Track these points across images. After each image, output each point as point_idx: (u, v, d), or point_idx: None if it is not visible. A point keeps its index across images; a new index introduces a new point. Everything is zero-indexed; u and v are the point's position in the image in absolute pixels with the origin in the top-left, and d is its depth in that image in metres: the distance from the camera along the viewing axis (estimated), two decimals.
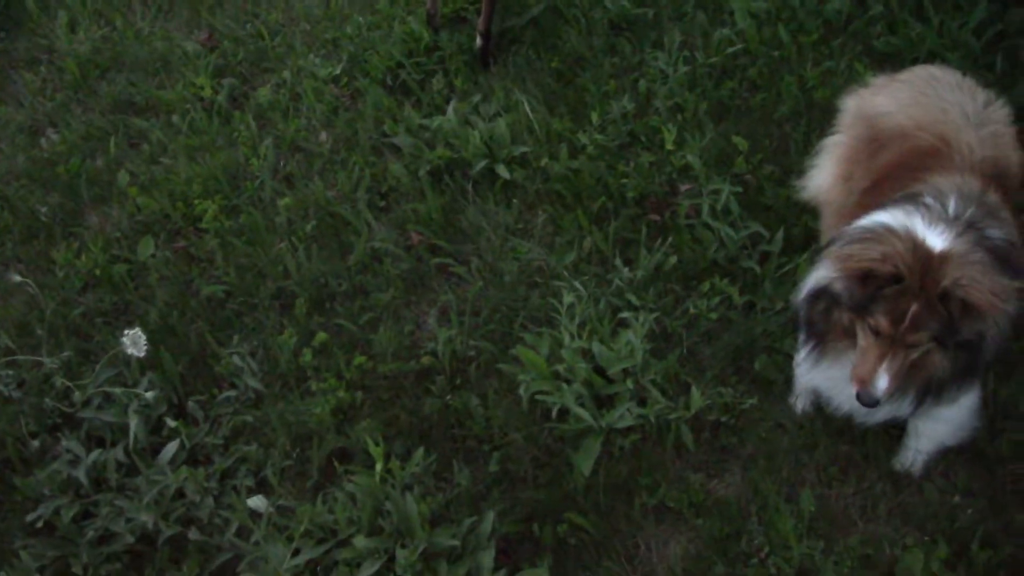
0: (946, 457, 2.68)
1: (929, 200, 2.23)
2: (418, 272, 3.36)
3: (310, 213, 3.57)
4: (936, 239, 2.12)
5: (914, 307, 2.05)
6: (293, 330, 3.18)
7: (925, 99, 2.63)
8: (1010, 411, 2.75)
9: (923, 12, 3.93)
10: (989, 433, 2.71)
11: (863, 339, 2.18)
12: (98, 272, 3.43)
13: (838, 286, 2.19)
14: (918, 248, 2.09)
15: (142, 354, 2.81)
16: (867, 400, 2.15)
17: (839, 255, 2.17)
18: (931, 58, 3.70)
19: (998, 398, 2.75)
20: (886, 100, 2.72)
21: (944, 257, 2.08)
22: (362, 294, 3.31)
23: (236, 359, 3.12)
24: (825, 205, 2.89)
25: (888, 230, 2.16)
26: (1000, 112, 2.63)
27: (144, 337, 2.81)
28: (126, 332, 2.81)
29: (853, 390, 2.19)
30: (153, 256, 3.51)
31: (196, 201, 3.64)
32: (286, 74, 4.16)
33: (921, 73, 2.82)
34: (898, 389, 2.21)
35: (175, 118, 4.01)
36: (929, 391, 2.27)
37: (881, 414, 2.36)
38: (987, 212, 2.25)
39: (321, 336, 3.17)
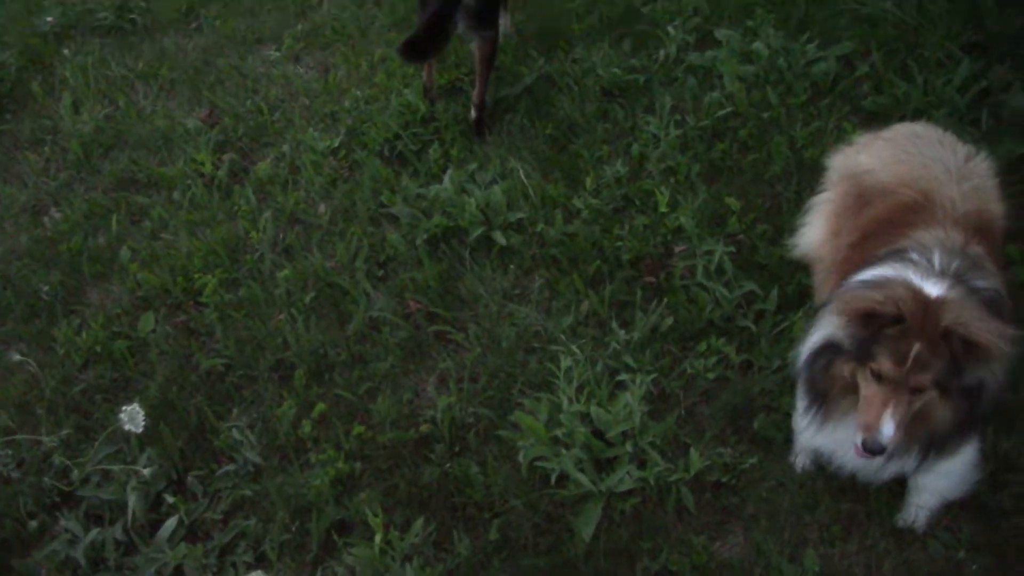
0: (950, 512, 2.65)
1: (915, 255, 2.25)
2: (416, 340, 3.37)
3: (309, 284, 3.60)
4: (931, 288, 2.15)
5: (917, 347, 2.05)
6: (292, 401, 3.19)
7: (907, 156, 2.67)
8: (1012, 463, 2.72)
9: (908, 71, 4.01)
10: (992, 486, 2.68)
11: (866, 388, 2.17)
12: (98, 348, 3.46)
13: (840, 333, 2.21)
14: (917, 293, 2.12)
15: (140, 430, 2.82)
16: (873, 447, 2.13)
17: (842, 300, 2.18)
18: (917, 116, 3.76)
19: (999, 450, 2.73)
20: (870, 158, 2.77)
21: (942, 301, 2.10)
22: (361, 363, 3.32)
23: (235, 432, 3.12)
24: (817, 262, 2.92)
25: (886, 278, 2.19)
26: (982, 166, 2.67)
27: (142, 413, 2.83)
28: (124, 408, 2.83)
29: (858, 439, 2.16)
30: (153, 331, 3.53)
31: (196, 275, 3.68)
32: (285, 148, 4.25)
33: (903, 130, 2.88)
34: (903, 441, 2.20)
35: (176, 194, 4.09)
36: (932, 445, 2.25)
37: (886, 472, 2.35)
38: (972, 264, 2.27)
39: (320, 407, 3.17)
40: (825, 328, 2.29)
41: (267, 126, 4.41)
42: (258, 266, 3.72)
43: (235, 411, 3.23)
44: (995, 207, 2.57)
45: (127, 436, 2.99)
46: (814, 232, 2.97)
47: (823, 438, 2.44)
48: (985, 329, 2.03)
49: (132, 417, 2.80)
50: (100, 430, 3.12)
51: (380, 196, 3.88)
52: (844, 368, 2.22)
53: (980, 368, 2.11)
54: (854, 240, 2.57)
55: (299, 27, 5.07)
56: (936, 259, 2.24)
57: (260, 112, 4.48)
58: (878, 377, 2.12)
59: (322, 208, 3.94)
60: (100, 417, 3.25)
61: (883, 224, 2.47)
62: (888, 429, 2.10)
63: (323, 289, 3.57)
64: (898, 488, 2.68)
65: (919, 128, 2.89)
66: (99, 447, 3.01)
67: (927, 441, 2.24)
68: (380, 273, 3.65)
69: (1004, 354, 2.08)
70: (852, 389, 2.24)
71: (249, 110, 4.52)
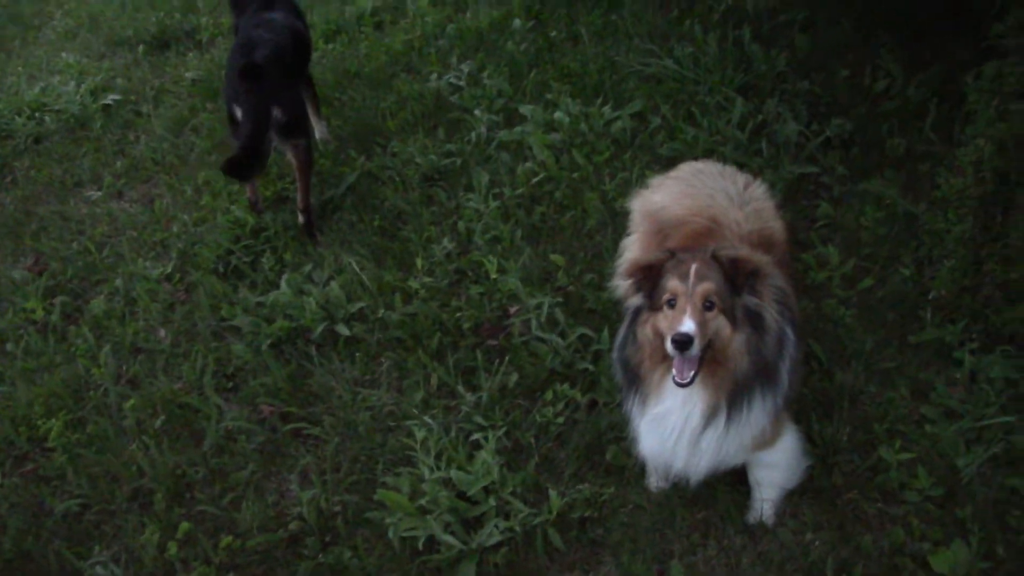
0: (792, 500, 2.85)
1: None
2: (273, 443, 3.38)
3: (158, 409, 3.57)
4: None
5: (694, 265, 2.34)
6: (154, 527, 3.12)
7: (694, 190, 2.96)
8: (837, 445, 2.96)
9: (694, 117, 4.41)
10: (824, 469, 2.91)
11: (666, 320, 2.36)
12: None
13: (633, 299, 2.48)
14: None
15: None
16: (681, 337, 2.26)
17: (623, 272, 2.47)
18: (708, 154, 4.13)
19: (824, 436, 2.97)
20: (662, 196, 3.04)
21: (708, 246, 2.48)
22: (221, 476, 3.30)
23: (99, 569, 3.03)
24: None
25: None
26: (759, 191, 2.98)
27: None
28: None
29: (668, 345, 2.29)
30: (0, 486, 3.40)
31: (40, 421, 3.59)
32: (118, 282, 4.22)
33: (688, 168, 3.17)
34: (712, 397, 2.39)
35: (9, 346, 3.98)
36: (737, 390, 2.41)
37: (706, 458, 2.50)
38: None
39: (184, 526, 3.12)
40: (626, 312, 2.56)
41: (97, 264, 4.38)
42: (103, 401, 3.66)
43: (96, 548, 3.13)
44: (775, 224, 2.86)
45: None
46: None
47: (650, 437, 2.57)
48: (746, 252, 2.41)
49: None
50: None
51: (220, 311, 3.91)
52: (647, 327, 2.42)
53: (752, 288, 2.37)
54: None
55: (118, 164, 5.10)
56: None
57: (88, 252, 4.45)
58: (672, 305, 2.34)
59: (162, 333, 3.93)
60: None
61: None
62: (687, 324, 2.28)
63: (173, 411, 3.54)
64: (744, 489, 2.86)
65: (701, 165, 3.20)
66: None
67: (732, 387, 2.40)
68: (229, 385, 3.66)
69: (767, 275, 2.41)
70: (661, 356, 2.41)
71: (76, 252, 4.49)
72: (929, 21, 4.21)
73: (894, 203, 3.74)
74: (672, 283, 2.35)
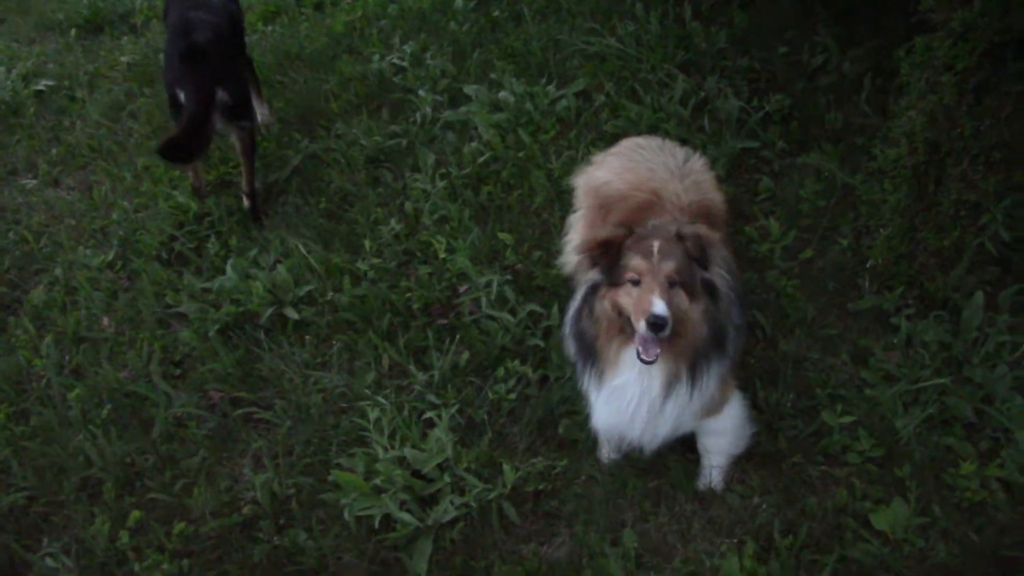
0: (739, 465, 2.93)
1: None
2: (225, 428, 3.36)
3: (104, 398, 3.51)
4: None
5: (657, 242, 2.38)
6: (104, 516, 3.09)
7: (635, 164, 3.00)
8: (782, 411, 3.04)
9: (637, 95, 4.45)
10: (769, 435, 2.99)
11: (629, 297, 2.39)
12: None
13: (590, 274, 2.50)
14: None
15: None
16: (656, 320, 2.28)
17: (579, 248, 2.46)
18: (653, 130, 4.18)
19: (770, 402, 3.05)
20: (604, 172, 3.08)
21: (669, 220, 2.57)
22: (171, 463, 3.27)
23: (49, 561, 2.99)
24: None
25: None
26: (699, 163, 3.04)
27: None
28: None
29: (641, 326, 2.32)
30: None
31: None
32: (58, 271, 4.14)
33: (628, 144, 3.22)
34: (673, 364, 2.44)
35: None
36: (696, 357, 2.46)
37: (664, 427, 2.55)
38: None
39: (136, 514, 3.09)
40: (579, 287, 2.58)
41: (35, 253, 4.29)
42: (47, 392, 3.59)
43: (45, 540, 3.09)
44: (714, 195, 2.93)
45: None
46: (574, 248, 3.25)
47: (606, 409, 2.60)
48: (704, 228, 2.53)
49: None
50: None
51: (164, 298, 3.86)
52: (605, 301, 2.45)
53: (708, 263, 2.43)
54: None
55: (53, 152, 4.99)
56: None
57: (25, 241, 4.35)
58: (636, 283, 2.37)
59: (106, 321, 3.86)
60: None
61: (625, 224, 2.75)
62: (660, 305, 2.30)
63: (120, 400, 3.49)
64: (694, 457, 2.93)
65: (641, 140, 3.25)
66: None
67: (692, 356, 2.46)
68: (177, 372, 3.62)
69: (719, 252, 2.50)
70: (618, 329, 2.45)
71: (13, 241, 4.39)
72: None
73: (832, 175, 3.83)
74: (635, 261, 2.38)
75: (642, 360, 2.39)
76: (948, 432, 2.95)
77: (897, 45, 3.12)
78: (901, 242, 3.21)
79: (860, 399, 3.06)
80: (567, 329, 2.64)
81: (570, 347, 2.66)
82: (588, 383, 2.59)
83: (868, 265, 3.39)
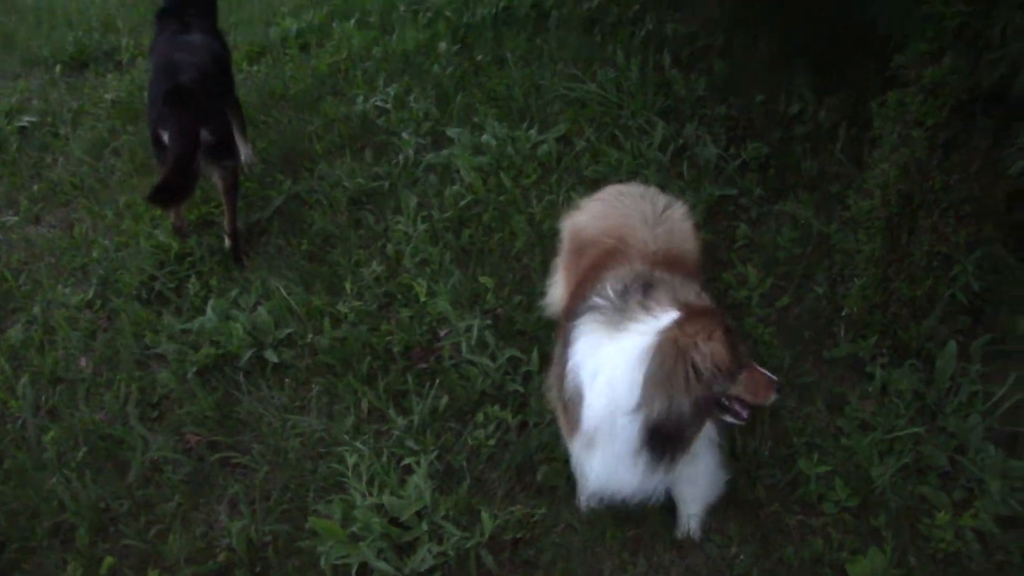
0: (717, 514, 2.93)
1: (599, 300, 2.49)
2: (201, 472, 3.34)
3: (79, 441, 3.48)
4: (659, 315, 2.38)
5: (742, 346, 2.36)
6: (76, 563, 3.05)
7: (611, 210, 3.04)
8: (759, 460, 3.06)
9: (617, 140, 4.52)
10: (748, 483, 3.01)
11: (752, 384, 2.42)
12: None
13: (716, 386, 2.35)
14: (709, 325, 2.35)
15: None
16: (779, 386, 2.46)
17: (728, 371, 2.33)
18: (633, 176, 4.24)
19: (747, 450, 3.07)
20: (584, 216, 3.12)
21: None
22: (146, 508, 3.24)
23: None
24: (564, 308, 3.18)
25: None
26: (678, 212, 3.05)
27: None
28: None
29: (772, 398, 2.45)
30: None
31: None
32: (36, 310, 4.12)
33: (611, 190, 3.26)
34: None
35: None
36: None
37: (657, 480, 2.55)
38: (654, 281, 2.53)
39: (109, 560, 3.05)
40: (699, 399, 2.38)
41: (13, 291, 4.27)
42: (21, 434, 3.56)
43: None
44: (686, 244, 2.92)
45: None
46: (556, 291, 3.28)
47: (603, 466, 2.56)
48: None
49: None
50: None
51: (143, 339, 3.85)
52: (735, 403, 2.45)
53: None
54: (573, 289, 2.87)
55: (35, 188, 4.98)
56: (610, 289, 2.50)
57: (3, 279, 4.33)
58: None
59: (83, 362, 3.84)
60: None
61: (591, 270, 2.78)
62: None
63: (95, 443, 3.46)
64: (671, 505, 2.94)
65: (624, 187, 3.28)
66: None
67: None
68: (155, 414, 3.60)
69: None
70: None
71: None
72: (838, 48, 4.39)
73: (808, 223, 3.89)
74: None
75: (744, 423, 2.48)
76: (923, 481, 2.97)
77: (871, 96, 3.20)
78: (875, 291, 3.26)
79: (836, 447, 3.09)
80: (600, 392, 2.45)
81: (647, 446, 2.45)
82: (582, 447, 2.56)
83: (843, 313, 3.43)
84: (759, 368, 2.45)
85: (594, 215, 3.07)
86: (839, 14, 3.53)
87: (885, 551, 2.76)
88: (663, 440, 2.36)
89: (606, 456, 2.50)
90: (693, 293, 2.49)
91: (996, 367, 3.21)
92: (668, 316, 2.34)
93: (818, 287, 3.62)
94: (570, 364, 2.48)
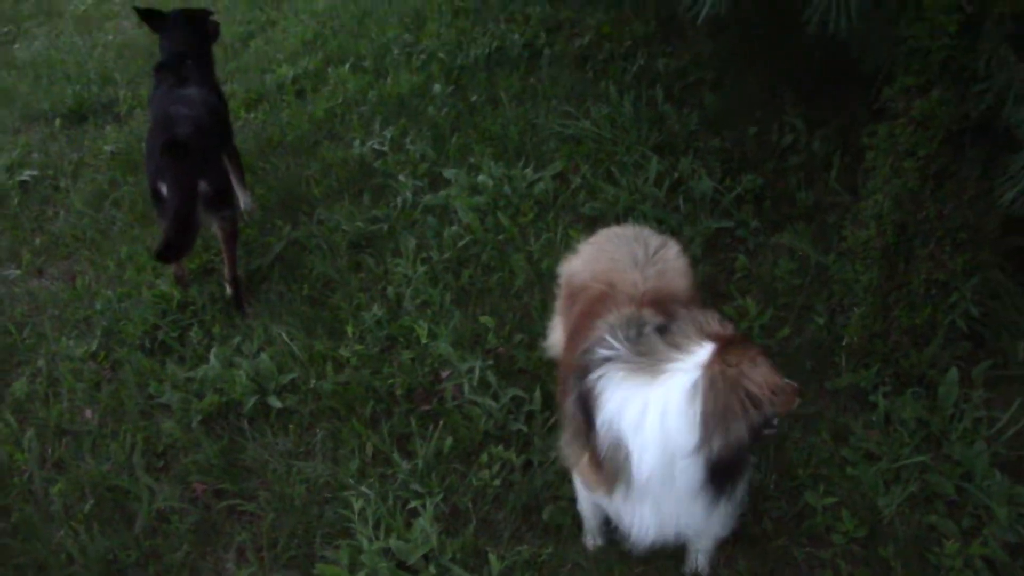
0: (725, 549, 2.93)
1: (601, 351, 2.44)
2: (208, 521, 3.33)
3: (87, 493, 3.48)
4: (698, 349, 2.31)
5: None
6: None
7: (602, 254, 3.05)
8: (765, 493, 3.06)
9: (613, 176, 4.56)
10: (755, 517, 3.00)
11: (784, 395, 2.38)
12: None
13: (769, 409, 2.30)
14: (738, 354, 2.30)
15: None
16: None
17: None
18: (629, 211, 4.28)
19: (753, 484, 3.07)
20: (578, 261, 3.14)
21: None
22: (154, 558, 3.23)
23: None
24: (561, 358, 3.20)
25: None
26: (671, 252, 3.03)
27: None
28: None
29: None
30: None
31: None
32: (40, 363, 4.14)
33: (605, 233, 3.26)
34: None
35: None
36: None
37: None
38: (644, 321, 2.54)
39: None
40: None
41: (17, 345, 4.29)
42: (28, 487, 3.56)
43: None
44: (678, 283, 2.90)
45: None
46: (556, 333, 3.30)
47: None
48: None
49: None
50: None
51: (147, 388, 3.86)
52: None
53: None
54: (568, 336, 2.89)
55: (37, 241, 5.02)
56: (611, 338, 2.46)
57: (7, 333, 4.35)
58: None
59: (89, 413, 3.85)
60: None
61: (583, 317, 2.77)
62: None
63: (102, 494, 3.46)
64: (680, 541, 2.93)
65: (618, 229, 3.28)
66: None
67: None
68: (160, 464, 3.60)
69: None
70: None
71: None
72: (827, 81, 4.45)
73: (806, 254, 3.92)
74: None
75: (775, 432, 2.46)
76: (930, 510, 2.97)
77: (862, 126, 3.24)
78: (875, 320, 3.28)
79: (842, 478, 3.09)
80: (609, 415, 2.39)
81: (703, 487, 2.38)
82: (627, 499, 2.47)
83: (844, 343, 3.45)
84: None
85: (585, 260, 3.08)
86: (824, 52, 3.59)
87: None
88: (723, 473, 2.30)
89: (664, 502, 2.41)
90: (715, 321, 2.47)
91: (999, 392, 3.23)
92: (704, 350, 2.27)
93: (818, 317, 3.64)
94: (602, 418, 2.36)
